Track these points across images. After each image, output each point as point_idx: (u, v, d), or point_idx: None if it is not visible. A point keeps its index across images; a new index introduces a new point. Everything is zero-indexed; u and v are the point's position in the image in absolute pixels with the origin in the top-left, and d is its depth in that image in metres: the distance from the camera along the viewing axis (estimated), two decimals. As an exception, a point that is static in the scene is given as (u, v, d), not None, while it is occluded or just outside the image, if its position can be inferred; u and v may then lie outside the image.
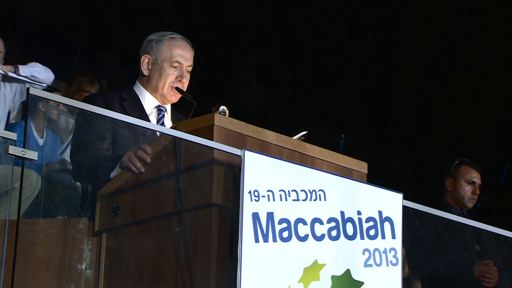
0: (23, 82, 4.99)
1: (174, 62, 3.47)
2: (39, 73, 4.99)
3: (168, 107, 3.56)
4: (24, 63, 5.11)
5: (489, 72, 9.00)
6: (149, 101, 3.50)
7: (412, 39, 9.27)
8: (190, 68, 3.52)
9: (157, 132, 3.16)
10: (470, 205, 5.00)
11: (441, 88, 9.37)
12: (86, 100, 3.50)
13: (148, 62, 3.50)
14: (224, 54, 8.99)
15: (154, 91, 3.49)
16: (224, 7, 8.86)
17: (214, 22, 8.80)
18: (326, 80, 9.60)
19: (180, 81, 3.47)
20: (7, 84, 4.98)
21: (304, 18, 9.14)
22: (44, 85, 5.02)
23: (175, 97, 3.51)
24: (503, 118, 9.24)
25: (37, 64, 5.04)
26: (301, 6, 9.01)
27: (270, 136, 3.00)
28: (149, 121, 3.43)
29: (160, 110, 3.50)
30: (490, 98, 9.14)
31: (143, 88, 3.51)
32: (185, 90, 3.51)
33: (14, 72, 4.88)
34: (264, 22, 9.00)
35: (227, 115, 3.00)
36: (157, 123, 3.46)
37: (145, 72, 3.50)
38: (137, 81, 3.54)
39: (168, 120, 3.53)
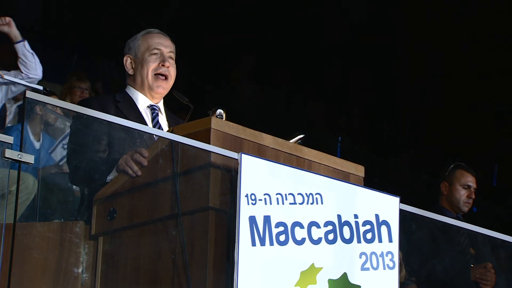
0: (9, 83, 5.10)
1: (153, 49, 3.49)
2: (38, 62, 5.19)
3: (161, 105, 3.57)
4: (21, 66, 5.23)
5: (488, 74, 9.02)
6: (142, 101, 3.51)
7: (408, 42, 9.28)
8: (171, 55, 3.53)
9: (154, 135, 3.16)
10: (466, 209, 5.01)
11: (439, 90, 9.39)
12: (80, 103, 3.50)
13: (130, 62, 3.53)
14: (219, 57, 8.99)
15: (141, 87, 3.50)
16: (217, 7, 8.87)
17: (207, 25, 8.81)
18: (322, 83, 9.61)
19: (163, 65, 3.48)
20: None
21: (300, 21, 9.15)
22: (33, 74, 5.16)
23: (162, 87, 3.50)
24: (499, 121, 9.26)
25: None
26: (298, 7, 9.02)
27: (267, 140, 3.00)
28: (144, 121, 3.44)
29: (153, 109, 3.51)
30: (488, 100, 9.16)
31: (134, 89, 3.53)
32: (172, 76, 3.51)
33: (21, 41, 5.12)
34: (259, 23, 9.01)
35: (224, 119, 3.00)
36: (151, 122, 3.47)
37: (130, 72, 3.54)
38: (127, 84, 3.56)
39: (162, 119, 3.53)
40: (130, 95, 3.51)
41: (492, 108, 9.25)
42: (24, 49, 5.18)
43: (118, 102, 3.44)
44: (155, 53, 3.49)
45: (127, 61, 3.53)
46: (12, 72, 5.23)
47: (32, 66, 5.18)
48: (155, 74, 3.48)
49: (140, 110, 3.48)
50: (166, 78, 3.49)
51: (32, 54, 5.21)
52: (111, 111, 3.33)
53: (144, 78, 3.49)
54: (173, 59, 3.53)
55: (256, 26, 8.99)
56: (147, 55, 3.49)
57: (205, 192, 2.80)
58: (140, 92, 3.51)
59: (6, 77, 5.11)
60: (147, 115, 3.49)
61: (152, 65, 3.48)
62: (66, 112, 5.23)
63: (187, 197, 2.84)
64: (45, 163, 4.76)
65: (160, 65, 3.48)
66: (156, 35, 3.54)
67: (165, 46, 3.51)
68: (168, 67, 3.48)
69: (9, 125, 5.40)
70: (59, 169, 4.56)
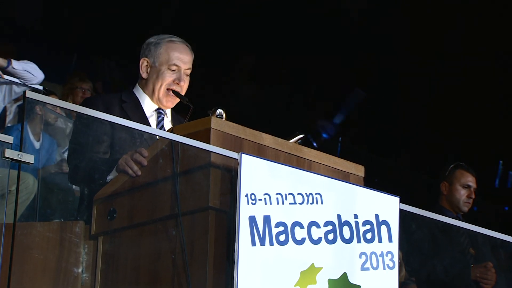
0: (11, 83, 5.06)
1: (172, 65, 3.46)
2: (31, 69, 5.10)
3: (168, 110, 3.56)
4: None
5: (486, 75, 9.02)
6: (148, 104, 3.50)
7: (409, 42, 9.28)
8: (188, 71, 3.51)
9: (154, 135, 3.16)
10: (466, 209, 5.01)
11: (439, 90, 9.39)
12: (85, 102, 3.49)
13: (147, 65, 3.50)
14: (219, 57, 8.99)
15: (151, 94, 3.49)
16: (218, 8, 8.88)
17: (207, 25, 8.81)
18: (322, 83, 9.61)
19: (178, 84, 3.47)
20: None
21: (300, 21, 9.15)
22: (35, 82, 5.10)
23: (171, 102, 3.50)
24: (500, 121, 9.26)
25: (30, 62, 5.14)
26: (298, 7, 9.02)
27: (267, 140, 3.00)
28: (149, 123, 3.43)
29: (159, 113, 3.50)
30: (487, 100, 9.16)
31: (143, 91, 3.51)
32: (183, 92, 3.50)
33: (7, 66, 4.98)
34: (259, 23, 9.01)
35: (224, 119, 3.00)
36: (156, 126, 3.46)
37: (144, 75, 3.51)
38: (137, 84, 3.55)
39: (168, 123, 3.53)
40: (138, 96, 3.50)
41: (493, 108, 9.25)
42: (14, 70, 5.07)
43: (124, 102, 3.43)
44: (173, 69, 3.46)
45: (143, 64, 3.50)
46: None
47: (30, 77, 5.13)
48: (167, 89, 3.48)
49: (146, 113, 3.47)
50: None
51: (24, 70, 5.10)
52: (115, 111, 3.32)
53: (156, 89, 3.47)
54: (188, 75, 3.52)
55: (256, 26, 8.99)
56: (164, 68, 3.45)
57: (205, 192, 2.80)
58: (148, 96, 3.50)
59: (6, 77, 5.09)
60: (152, 118, 3.49)
61: (167, 80, 3.46)
62: (67, 112, 5.23)
63: (187, 197, 2.84)
64: (45, 163, 4.76)
65: (175, 82, 3.47)
66: (178, 48, 3.48)
67: (184, 62, 3.47)
68: (182, 85, 3.48)
69: (9, 125, 5.40)
70: (59, 169, 4.56)
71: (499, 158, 9.78)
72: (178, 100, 3.50)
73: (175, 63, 3.46)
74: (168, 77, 3.46)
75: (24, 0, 8.20)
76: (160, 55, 3.47)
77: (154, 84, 3.47)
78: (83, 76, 6.31)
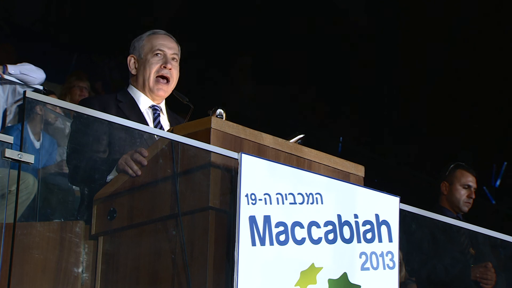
0: (15, 83, 5.04)
1: (156, 50, 3.49)
2: (29, 70, 5.07)
3: (163, 106, 3.56)
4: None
5: (486, 74, 9.02)
6: (143, 102, 3.51)
7: (410, 42, 9.28)
8: (175, 57, 3.52)
9: (154, 135, 3.16)
10: (466, 209, 5.00)
11: (439, 90, 9.39)
12: (81, 103, 3.49)
13: (134, 62, 3.53)
14: (219, 56, 9.00)
15: (143, 87, 3.50)
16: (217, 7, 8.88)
17: (207, 24, 8.81)
18: (323, 82, 9.61)
19: (165, 67, 3.47)
20: None
21: (301, 20, 9.15)
22: (37, 83, 5.07)
23: (163, 90, 3.49)
24: (499, 121, 9.26)
25: (27, 63, 5.11)
26: (298, 6, 9.02)
27: (267, 139, 3.00)
28: (146, 122, 3.43)
29: (155, 109, 3.51)
30: (487, 100, 9.16)
31: (136, 89, 3.52)
32: (175, 79, 3.51)
33: (3, 72, 4.95)
34: (259, 23, 9.01)
35: (224, 118, 3.00)
36: (153, 123, 3.47)
37: (133, 72, 3.54)
38: (130, 84, 3.56)
39: (164, 120, 3.53)
40: (132, 95, 3.51)
41: (493, 109, 9.25)
42: (11, 76, 5.05)
43: (120, 102, 3.44)
44: (158, 55, 3.48)
45: (131, 61, 3.54)
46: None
47: (30, 80, 5.11)
48: (156, 77, 3.48)
49: (142, 111, 3.48)
50: (167, 81, 3.49)
51: (21, 73, 5.08)
52: (112, 111, 3.33)
53: (146, 79, 3.48)
54: (176, 61, 3.53)
55: (256, 25, 8.99)
56: (150, 56, 3.49)
57: (205, 192, 2.80)
58: (142, 93, 3.51)
59: (6, 76, 5.09)
60: (148, 116, 3.49)
61: (154, 67, 3.48)
62: (66, 112, 5.23)
63: (187, 197, 2.84)
64: (45, 163, 4.75)
65: (162, 67, 3.48)
66: (161, 36, 3.53)
67: (168, 47, 3.50)
68: (170, 69, 3.48)
69: (9, 124, 5.39)
70: (59, 169, 4.56)
71: (501, 158, 9.78)
72: (171, 87, 3.50)
73: (159, 48, 3.49)
74: (155, 64, 3.48)
75: (24, 0, 8.20)
76: (143, 46, 3.51)
77: (143, 75, 3.49)
78: (80, 74, 6.30)
